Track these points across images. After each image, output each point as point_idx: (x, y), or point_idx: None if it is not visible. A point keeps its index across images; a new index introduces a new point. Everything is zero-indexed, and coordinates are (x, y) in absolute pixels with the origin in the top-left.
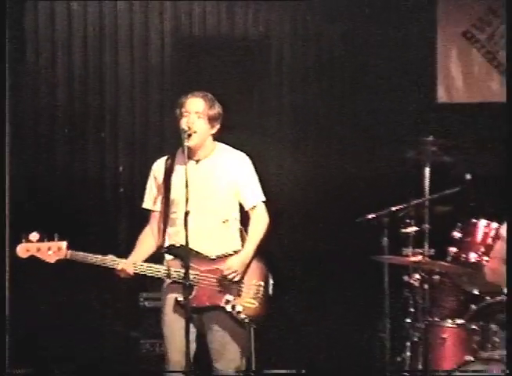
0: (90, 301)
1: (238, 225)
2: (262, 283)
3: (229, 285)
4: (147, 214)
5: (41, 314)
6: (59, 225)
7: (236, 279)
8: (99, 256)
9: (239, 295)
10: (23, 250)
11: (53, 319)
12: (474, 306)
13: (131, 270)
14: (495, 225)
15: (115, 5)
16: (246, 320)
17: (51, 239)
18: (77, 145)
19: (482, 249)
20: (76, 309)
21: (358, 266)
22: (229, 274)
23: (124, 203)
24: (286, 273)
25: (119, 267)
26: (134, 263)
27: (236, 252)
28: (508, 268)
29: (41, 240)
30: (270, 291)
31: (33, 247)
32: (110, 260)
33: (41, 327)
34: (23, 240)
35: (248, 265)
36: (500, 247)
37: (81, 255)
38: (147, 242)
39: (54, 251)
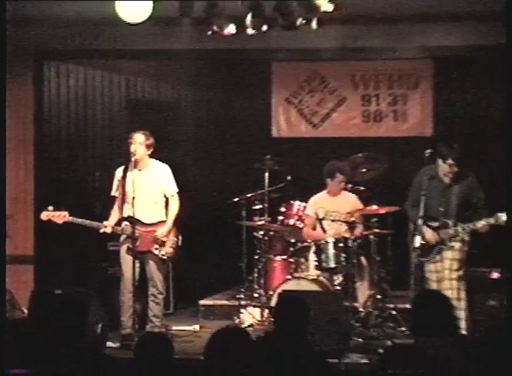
0: (81, 247)
1: (163, 204)
2: (175, 239)
3: (162, 242)
4: (113, 198)
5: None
6: (65, 202)
7: (165, 239)
8: (88, 221)
9: (164, 245)
10: (44, 215)
11: (63, 253)
12: (291, 248)
13: (109, 229)
14: (303, 204)
15: (94, 80)
16: (166, 259)
17: (60, 210)
18: (74, 159)
19: (296, 217)
20: (74, 251)
21: (230, 227)
22: (162, 237)
23: (101, 191)
24: (189, 233)
25: (100, 227)
26: (109, 225)
27: (161, 222)
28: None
29: (54, 210)
30: (179, 243)
31: (50, 214)
32: (94, 223)
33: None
34: (44, 210)
35: (169, 230)
36: (308, 220)
37: (73, 219)
38: (115, 214)
39: (61, 217)
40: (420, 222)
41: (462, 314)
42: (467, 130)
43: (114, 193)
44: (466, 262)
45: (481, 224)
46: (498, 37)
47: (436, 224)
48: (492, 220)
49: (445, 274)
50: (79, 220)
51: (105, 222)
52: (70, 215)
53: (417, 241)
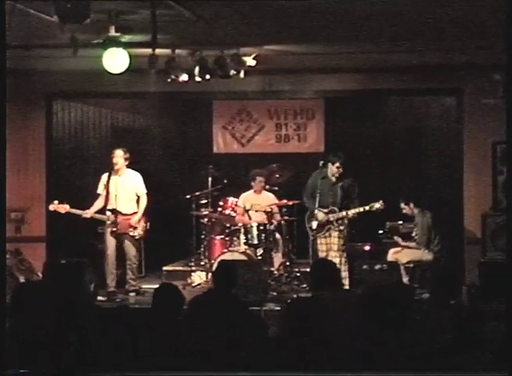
0: (79, 230)
1: (135, 200)
2: (145, 224)
3: (135, 227)
4: (98, 195)
5: (61, 235)
6: (66, 198)
7: (137, 225)
8: (80, 211)
9: (136, 228)
10: (51, 207)
11: (66, 234)
12: (227, 230)
13: (88, 215)
14: (236, 199)
15: (88, 113)
16: (138, 239)
17: (63, 203)
18: (73, 168)
19: (230, 209)
20: (74, 233)
21: (184, 216)
22: (135, 224)
23: (92, 189)
24: (157, 220)
25: (85, 214)
26: (89, 212)
27: (134, 213)
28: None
29: (59, 203)
30: (148, 227)
31: (55, 206)
32: (84, 212)
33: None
34: (52, 203)
35: (140, 218)
36: (239, 211)
37: (71, 210)
38: (96, 206)
39: (63, 208)
40: (315, 209)
41: (344, 275)
42: (348, 147)
43: (100, 191)
44: (348, 238)
45: (359, 210)
46: (370, 84)
47: (326, 210)
48: (367, 207)
49: (332, 247)
50: (75, 210)
51: (86, 211)
52: (70, 208)
53: (314, 224)
